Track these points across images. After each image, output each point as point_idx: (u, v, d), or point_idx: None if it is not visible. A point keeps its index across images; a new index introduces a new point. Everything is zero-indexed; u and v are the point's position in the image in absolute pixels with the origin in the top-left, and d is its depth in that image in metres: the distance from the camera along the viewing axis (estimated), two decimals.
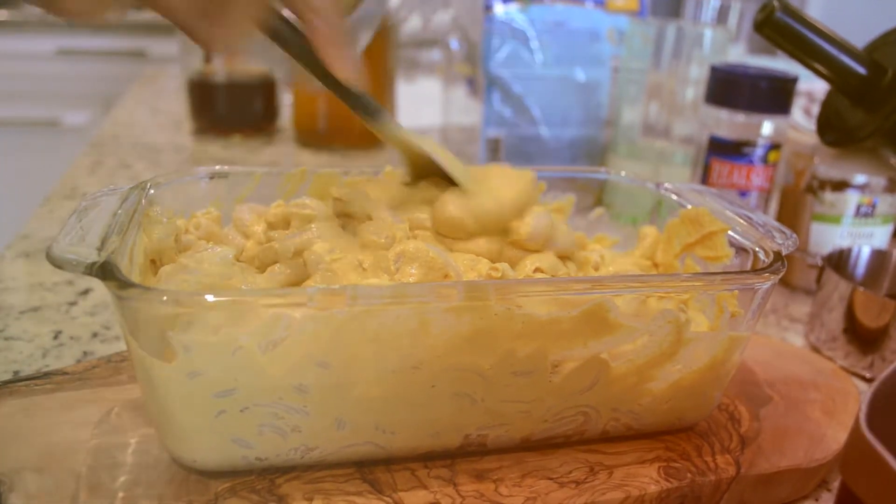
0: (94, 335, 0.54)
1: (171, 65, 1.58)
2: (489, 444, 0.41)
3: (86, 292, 0.61)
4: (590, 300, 0.37)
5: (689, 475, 0.41)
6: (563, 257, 0.46)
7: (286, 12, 0.40)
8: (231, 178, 0.50)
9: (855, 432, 0.31)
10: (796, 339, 0.62)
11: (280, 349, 0.34)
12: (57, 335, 0.54)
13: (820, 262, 0.61)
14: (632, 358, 0.40)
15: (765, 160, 0.69)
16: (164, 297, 0.32)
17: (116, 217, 0.39)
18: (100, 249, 0.35)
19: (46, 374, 0.45)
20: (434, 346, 0.36)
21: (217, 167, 0.49)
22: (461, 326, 0.36)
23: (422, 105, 1.23)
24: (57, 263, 0.34)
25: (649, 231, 0.52)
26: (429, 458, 0.40)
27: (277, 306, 0.33)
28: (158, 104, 1.30)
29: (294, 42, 0.40)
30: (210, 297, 0.33)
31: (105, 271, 0.33)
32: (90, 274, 0.33)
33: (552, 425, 0.41)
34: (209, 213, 0.47)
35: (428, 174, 0.47)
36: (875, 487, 0.29)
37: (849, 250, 0.64)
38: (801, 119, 1.05)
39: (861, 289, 0.56)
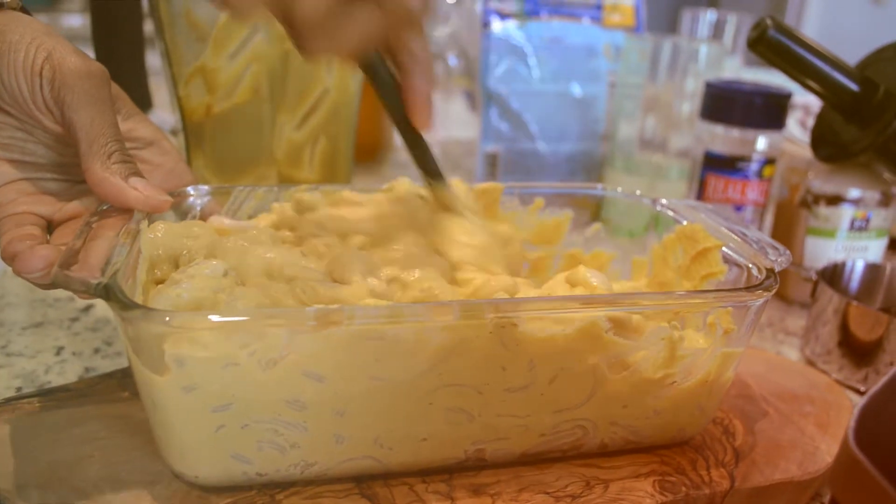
0: (97, 351, 0.55)
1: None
2: (488, 459, 0.41)
3: (87, 308, 0.61)
4: (584, 318, 0.37)
5: (683, 489, 0.41)
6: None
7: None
8: (233, 194, 0.50)
9: (843, 447, 0.31)
10: (792, 353, 0.63)
11: (278, 366, 0.35)
12: (59, 351, 0.55)
13: (814, 276, 0.61)
14: (626, 374, 0.40)
15: (760, 175, 0.70)
16: (167, 318, 0.33)
17: (119, 236, 0.39)
18: (103, 270, 0.35)
19: (49, 391, 0.45)
20: (430, 364, 0.37)
21: (219, 185, 0.50)
22: (456, 344, 0.36)
23: None
24: (61, 284, 0.34)
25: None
26: (427, 472, 0.41)
27: (277, 325, 0.34)
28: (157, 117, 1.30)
29: (385, 81, 0.43)
30: (212, 318, 0.33)
31: (109, 292, 0.34)
32: (94, 295, 0.34)
33: (550, 439, 0.42)
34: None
35: None
36: (863, 502, 0.30)
37: (843, 264, 0.64)
38: (797, 131, 1.06)
39: (855, 302, 0.57)
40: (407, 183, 0.52)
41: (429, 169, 0.47)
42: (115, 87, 0.45)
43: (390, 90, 0.44)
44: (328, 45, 0.38)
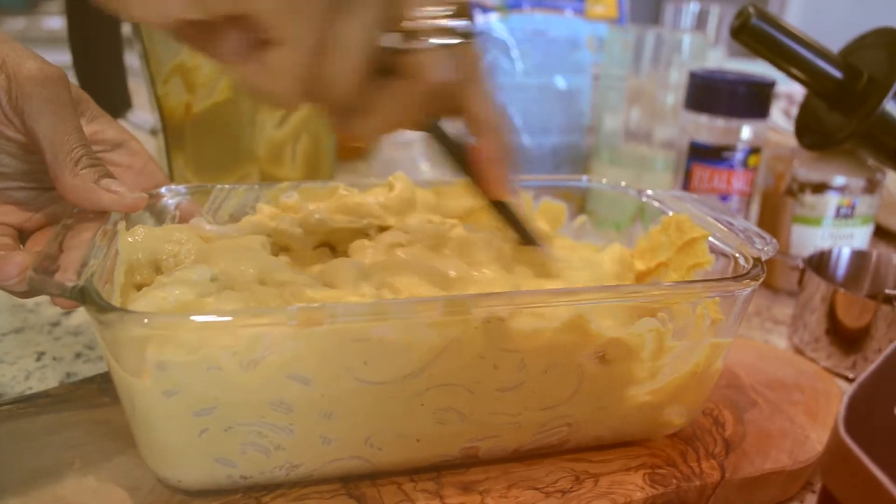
0: (78, 356, 0.54)
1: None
2: (481, 456, 0.41)
3: (68, 313, 0.60)
4: (570, 312, 0.37)
5: (674, 481, 0.41)
6: None
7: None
8: (213, 193, 0.49)
9: (834, 435, 0.31)
10: (780, 341, 0.63)
11: (260, 367, 0.34)
12: (40, 356, 0.54)
13: (801, 264, 0.61)
14: (615, 367, 0.40)
15: (745, 164, 0.70)
16: (144, 320, 0.32)
17: (96, 238, 0.38)
18: (79, 272, 0.34)
19: (29, 398, 0.45)
20: (421, 365, 0.36)
21: (198, 183, 0.49)
22: (443, 341, 0.36)
23: None
24: (37, 288, 0.34)
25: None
26: (417, 471, 0.40)
27: (257, 326, 0.33)
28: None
29: (449, 148, 0.40)
30: (190, 319, 0.32)
31: (85, 295, 0.33)
32: (70, 298, 0.33)
33: (543, 435, 0.41)
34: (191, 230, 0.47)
35: None
36: (854, 490, 0.29)
37: (829, 252, 0.64)
38: (781, 121, 1.06)
39: (842, 290, 0.56)
40: (403, 178, 0.52)
41: (519, 235, 0.45)
42: (77, 90, 0.44)
43: (457, 156, 0.40)
44: (369, 126, 0.36)
